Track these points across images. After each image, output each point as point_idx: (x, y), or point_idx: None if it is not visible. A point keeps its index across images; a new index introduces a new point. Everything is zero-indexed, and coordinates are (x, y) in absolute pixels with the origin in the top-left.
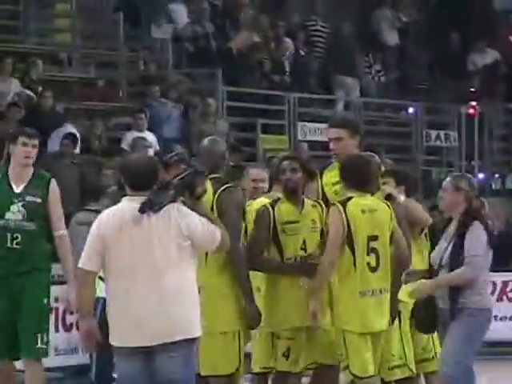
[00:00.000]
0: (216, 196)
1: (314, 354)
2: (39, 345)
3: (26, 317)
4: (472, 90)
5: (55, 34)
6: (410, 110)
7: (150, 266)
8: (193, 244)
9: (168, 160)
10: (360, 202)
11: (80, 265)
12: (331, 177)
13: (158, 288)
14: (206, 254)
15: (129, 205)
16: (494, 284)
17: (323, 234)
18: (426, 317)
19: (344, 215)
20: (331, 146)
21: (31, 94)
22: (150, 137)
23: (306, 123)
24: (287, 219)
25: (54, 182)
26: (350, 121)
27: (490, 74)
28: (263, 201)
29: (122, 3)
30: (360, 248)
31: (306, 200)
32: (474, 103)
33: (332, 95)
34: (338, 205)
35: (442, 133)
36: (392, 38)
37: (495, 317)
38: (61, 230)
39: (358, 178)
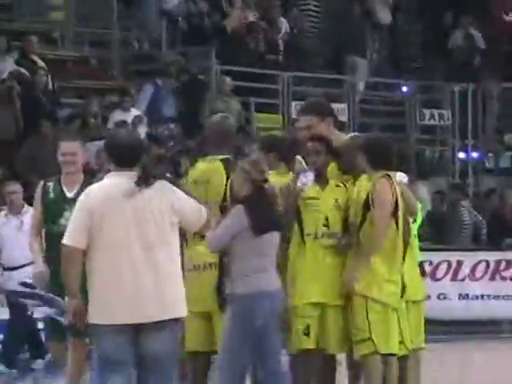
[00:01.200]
0: (231, 179)
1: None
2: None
3: None
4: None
5: (49, 12)
6: (404, 88)
7: (143, 241)
8: (180, 221)
9: (156, 137)
10: (395, 179)
11: (67, 242)
12: None
13: (151, 264)
14: None
15: (116, 180)
16: (488, 263)
17: (347, 214)
18: None
19: (393, 188)
20: (303, 133)
21: (26, 72)
22: (136, 115)
23: (300, 102)
24: (309, 195)
25: None
26: (317, 105)
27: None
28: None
29: None
30: (401, 223)
31: (330, 180)
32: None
33: (341, 75)
34: (386, 178)
35: (435, 111)
36: (385, 16)
37: (488, 296)
38: None
39: (386, 157)
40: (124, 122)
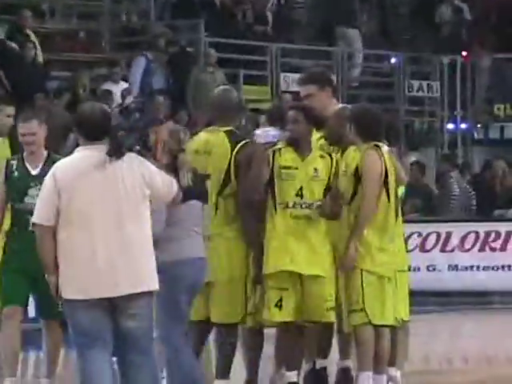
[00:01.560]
0: (236, 151)
1: (305, 309)
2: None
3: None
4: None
5: None
6: (393, 60)
7: (114, 213)
8: (151, 193)
9: (126, 110)
10: (384, 149)
11: (36, 220)
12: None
13: (122, 236)
14: (216, 203)
15: (85, 153)
16: (477, 234)
17: (328, 186)
18: None
19: (383, 159)
20: (305, 103)
21: (15, 45)
22: (125, 87)
23: (289, 74)
24: (285, 164)
25: None
26: (317, 74)
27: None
28: None
29: None
30: (392, 193)
31: (314, 150)
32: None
33: (332, 47)
34: (375, 149)
35: (424, 83)
36: None
37: (478, 267)
38: None
39: (375, 128)
40: (107, 91)
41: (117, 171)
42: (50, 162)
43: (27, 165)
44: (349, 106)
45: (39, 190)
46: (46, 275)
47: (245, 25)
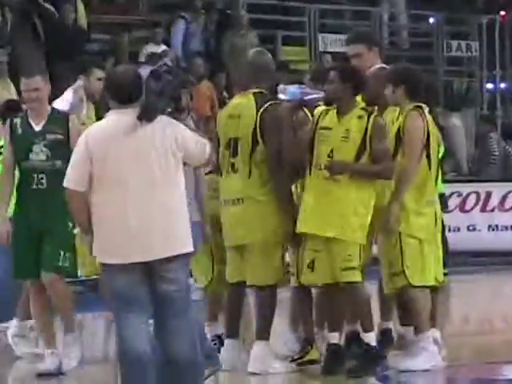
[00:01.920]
0: (260, 112)
1: (334, 271)
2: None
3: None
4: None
5: None
6: (431, 20)
7: (146, 176)
8: (184, 156)
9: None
10: (426, 111)
11: (68, 185)
12: None
13: (156, 200)
14: (250, 167)
15: (117, 117)
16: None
17: (361, 147)
18: None
19: (425, 121)
20: (353, 62)
21: (52, 8)
22: (164, 49)
23: (327, 34)
24: (323, 125)
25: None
26: (365, 34)
27: None
28: None
29: None
30: (433, 156)
31: (354, 110)
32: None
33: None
34: (418, 110)
35: (463, 43)
36: None
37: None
38: None
39: (423, 88)
40: (154, 54)
41: (148, 135)
42: (53, 118)
43: (31, 121)
44: (386, 66)
45: (44, 146)
46: (82, 237)
47: None
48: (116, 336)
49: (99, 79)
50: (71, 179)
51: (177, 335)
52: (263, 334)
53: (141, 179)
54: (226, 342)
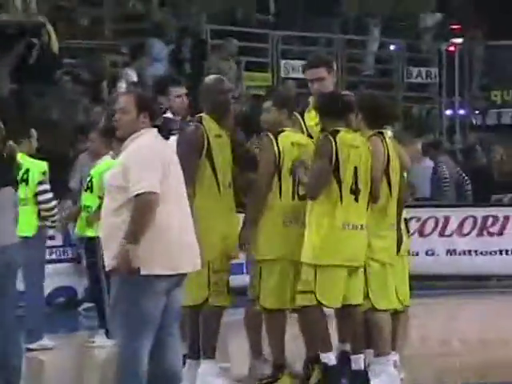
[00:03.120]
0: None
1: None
2: None
3: None
4: (454, 27)
5: None
6: (392, 47)
7: (179, 191)
8: None
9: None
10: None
11: (152, 189)
12: (311, 119)
13: (189, 214)
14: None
15: (154, 134)
16: (475, 219)
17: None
18: None
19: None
20: (315, 86)
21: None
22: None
23: (290, 61)
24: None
25: None
26: (325, 57)
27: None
28: None
29: None
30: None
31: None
32: (455, 40)
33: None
34: (378, 136)
35: (423, 69)
36: None
37: (476, 251)
38: None
39: (383, 115)
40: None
41: (170, 151)
42: None
43: None
44: (349, 92)
45: None
46: (129, 244)
47: (246, 12)
48: (122, 357)
49: (178, 96)
50: (156, 184)
51: (176, 339)
52: (206, 352)
53: (178, 193)
54: (188, 361)
